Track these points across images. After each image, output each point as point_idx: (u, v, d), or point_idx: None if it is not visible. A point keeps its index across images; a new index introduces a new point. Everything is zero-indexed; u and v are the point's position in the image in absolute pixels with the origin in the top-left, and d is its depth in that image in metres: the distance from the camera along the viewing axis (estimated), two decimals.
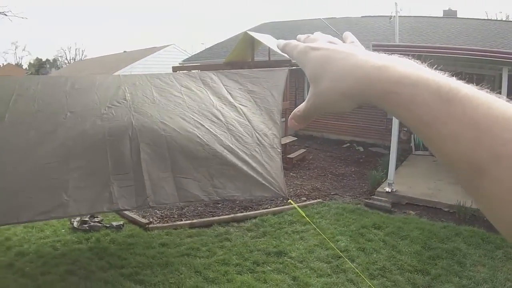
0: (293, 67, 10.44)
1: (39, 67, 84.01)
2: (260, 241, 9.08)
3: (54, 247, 9.14)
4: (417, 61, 0.76)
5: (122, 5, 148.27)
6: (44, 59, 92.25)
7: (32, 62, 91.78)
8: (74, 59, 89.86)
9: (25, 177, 5.99)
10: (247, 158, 7.03)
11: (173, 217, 10.69)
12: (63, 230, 9.97)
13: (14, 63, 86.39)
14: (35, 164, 6.08)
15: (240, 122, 7.42)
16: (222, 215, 10.70)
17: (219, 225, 9.94)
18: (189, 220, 10.40)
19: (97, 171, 6.32)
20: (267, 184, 6.94)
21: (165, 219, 10.60)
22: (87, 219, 10.12)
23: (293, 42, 0.96)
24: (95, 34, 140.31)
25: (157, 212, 10.94)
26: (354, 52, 0.81)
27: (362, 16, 28.69)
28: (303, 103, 0.90)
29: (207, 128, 7.09)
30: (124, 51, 53.61)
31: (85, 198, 6.12)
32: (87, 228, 9.90)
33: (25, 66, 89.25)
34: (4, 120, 6.21)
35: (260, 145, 7.31)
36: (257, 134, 7.39)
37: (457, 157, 0.64)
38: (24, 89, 6.74)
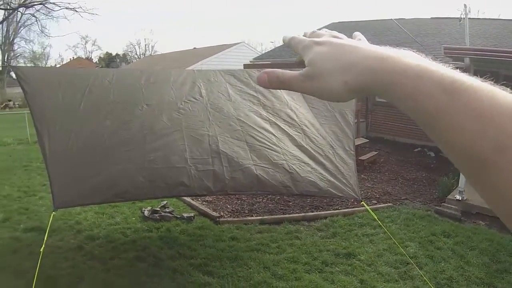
0: None
1: (109, 61, 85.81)
2: (329, 241, 8.98)
3: (124, 234, 9.29)
4: (422, 54, 0.76)
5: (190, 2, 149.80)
6: (114, 54, 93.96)
7: (102, 56, 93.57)
8: (144, 55, 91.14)
9: (101, 162, 6.13)
10: (321, 159, 7.01)
11: (244, 213, 10.68)
12: (133, 218, 10.10)
13: (84, 57, 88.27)
14: (111, 150, 6.27)
15: (313, 123, 7.40)
16: (292, 213, 10.63)
17: (289, 223, 9.88)
18: (260, 216, 10.37)
19: (173, 155, 6.39)
20: (341, 185, 6.91)
21: (236, 214, 10.61)
22: (158, 209, 10.24)
23: (299, 37, 0.96)
24: (165, 30, 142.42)
25: (228, 206, 10.96)
26: (359, 45, 0.82)
27: (431, 18, 28.24)
28: (291, 71, 0.90)
29: (281, 128, 7.10)
30: (194, 48, 53.97)
31: (162, 181, 6.23)
32: (158, 218, 9.99)
33: (95, 60, 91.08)
34: (79, 108, 6.35)
35: (334, 146, 7.28)
36: (330, 136, 7.36)
37: (462, 149, 0.65)
38: (99, 80, 6.89)
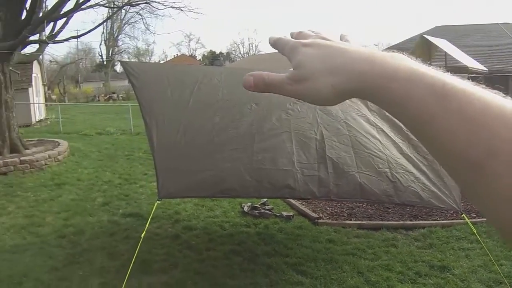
0: (472, 75, 10.00)
1: (213, 59, 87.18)
2: (425, 252, 8.74)
3: (222, 227, 9.36)
4: (412, 57, 0.73)
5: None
6: (217, 52, 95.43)
7: (205, 54, 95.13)
8: (248, 54, 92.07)
9: (209, 157, 6.19)
10: (425, 168, 6.85)
11: (343, 216, 10.54)
12: (232, 213, 10.16)
13: (187, 54, 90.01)
14: (220, 147, 6.35)
15: None
16: (391, 220, 10.41)
17: (387, 230, 9.68)
18: (358, 220, 10.23)
19: (281, 158, 6.39)
20: (442, 196, 6.75)
21: (335, 217, 10.47)
22: (258, 205, 10.27)
23: (284, 38, 0.91)
24: (269, 30, 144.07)
25: (328, 208, 10.85)
26: (347, 48, 0.79)
27: None
28: (278, 74, 0.84)
29: (387, 134, 7.01)
30: None
31: (268, 181, 6.24)
32: (257, 214, 10.00)
33: (198, 57, 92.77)
34: (188, 104, 6.47)
35: None
36: None
37: (454, 154, 0.63)
38: (208, 78, 7.01)
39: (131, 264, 6.07)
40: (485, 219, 7.79)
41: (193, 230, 9.11)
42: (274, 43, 0.92)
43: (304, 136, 6.64)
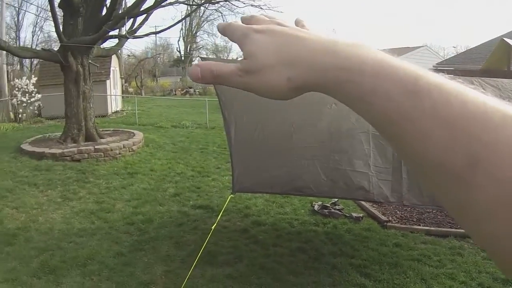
0: None
1: None
2: (490, 263, 8.52)
3: (290, 224, 9.40)
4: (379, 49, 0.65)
5: None
6: None
7: None
8: None
9: (285, 155, 6.29)
10: None
11: (412, 220, 10.43)
12: (302, 211, 10.17)
13: None
14: (297, 145, 6.50)
15: None
16: (459, 228, 10.23)
17: (454, 237, 9.51)
18: (427, 226, 10.08)
19: (357, 159, 6.41)
20: None
21: (404, 221, 10.39)
22: (328, 205, 10.25)
23: (235, 23, 0.80)
24: (346, 29, 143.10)
25: (397, 212, 10.76)
26: (306, 35, 0.70)
27: None
28: (226, 64, 0.75)
29: None
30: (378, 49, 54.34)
31: (344, 182, 6.26)
32: (327, 213, 10.00)
33: None
34: (267, 102, 6.54)
35: None
36: None
37: (427, 160, 0.55)
38: None
39: (199, 254, 6.21)
40: None
41: (262, 225, 9.18)
42: (223, 29, 0.82)
43: (382, 138, 6.60)
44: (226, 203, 6.63)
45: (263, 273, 7.20)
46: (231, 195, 6.53)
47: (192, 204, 10.28)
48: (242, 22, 0.81)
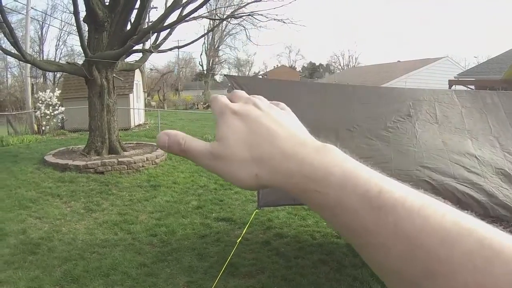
0: None
1: (313, 70, 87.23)
2: None
3: (312, 236, 9.38)
4: (344, 149, 0.67)
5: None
6: (317, 64, 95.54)
7: (305, 65, 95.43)
8: (348, 66, 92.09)
9: None
10: None
11: None
12: (324, 223, 10.08)
13: (287, 65, 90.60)
14: None
15: None
16: None
17: None
18: None
19: (378, 164, 6.46)
20: None
21: None
22: None
23: (219, 97, 0.80)
24: (368, 39, 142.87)
25: None
26: (278, 130, 0.71)
27: None
28: (198, 141, 0.75)
29: (483, 152, 6.94)
30: (398, 61, 53.90)
31: None
32: None
33: (298, 68, 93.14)
34: None
35: None
36: None
37: (389, 270, 0.57)
38: (309, 97, 7.26)
39: (224, 265, 6.23)
40: None
41: (284, 237, 9.18)
42: (211, 102, 0.82)
43: (402, 148, 6.73)
44: (251, 218, 6.65)
45: (285, 285, 7.20)
46: (256, 210, 6.55)
47: (214, 216, 10.29)
48: (227, 97, 0.81)
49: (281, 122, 0.74)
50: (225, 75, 15.42)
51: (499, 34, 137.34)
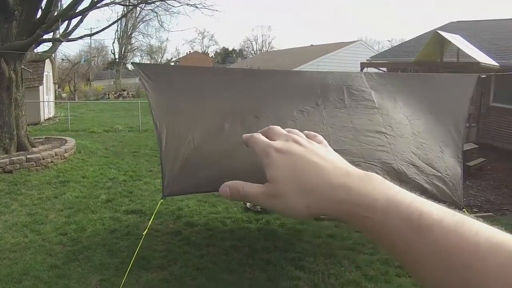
0: (483, 75, 9.98)
1: (225, 56, 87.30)
2: None
3: (223, 223, 9.43)
4: (386, 177, 0.75)
5: None
6: (230, 49, 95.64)
7: (218, 51, 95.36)
8: (260, 50, 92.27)
9: (217, 162, 6.36)
10: (429, 163, 6.98)
11: None
12: (235, 209, 10.21)
13: (200, 51, 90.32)
14: (228, 153, 6.41)
15: (424, 129, 7.37)
16: None
17: None
18: None
19: None
20: (446, 190, 6.87)
21: None
22: None
23: (256, 136, 0.86)
24: (282, 25, 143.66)
25: None
26: (322, 163, 0.78)
27: None
28: (252, 186, 0.82)
29: (394, 131, 7.10)
30: (311, 45, 54.17)
31: None
32: (260, 209, 10.04)
33: (211, 54, 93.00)
34: (197, 109, 6.88)
35: (443, 152, 7.20)
36: (440, 142, 7.29)
37: (431, 281, 0.64)
38: (219, 84, 7.22)
39: (132, 261, 6.15)
40: (486, 214, 7.90)
41: (195, 226, 9.17)
42: (247, 140, 0.88)
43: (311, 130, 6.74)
44: (157, 208, 6.59)
45: (198, 274, 7.21)
46: (161, 200, 6.51)
47: (124, 209, 10.17)
48: (261, 133, 0.87)
49: (323, 156, 0.80)
50: (132, 62, 15.13)
51: (415, 20, 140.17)
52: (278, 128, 0.88)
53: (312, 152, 0.80)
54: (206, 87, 6.86)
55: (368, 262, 7.88)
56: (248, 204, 10.17)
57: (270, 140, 0.84)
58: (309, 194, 0.74)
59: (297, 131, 0.87)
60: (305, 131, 0.88)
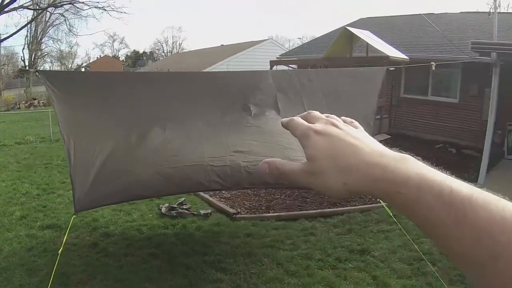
0: (392, 68, 10.19)
1: (136, 59, 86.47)
2: (344, 238, 8.95)
3: (140, 231, 9.33)
4: (418, 157, 0.79)
5: None
6: (141, 52, 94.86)
7: (129, 54, 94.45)
8: (171, 52, 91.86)
9: (123, 169, 6.31)
10: None
11: (261, 209, 10.66)
12: (150, 215, 10.14)
13: (111, 55, 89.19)
14: (135, 158, 6.46)
15: None
16: (309, 209, 10.59)
17: (306, 219, 9.84)
18: (277, 212, 10.36)
19: (191, 154, 6.48)
20: None
21: (253, 210, 10.60)
22: (175, 206, 10.26)
23: (296, 120, 0.92)
24: (192, 26, 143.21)
25: (246, 203, 10.97)
26: (359, 144, 0.83)
27: (460, 12, 27.94)
28: (291, 164, 0.89)
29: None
30: (222, 45, 54.21)
31: (179, 177, 6.42)
32: (175, 214, 10.01)
33: (122, 58, 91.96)
34: (105, 118, 6.67)
35: None
36: None
37: (461, 255, 0.69)
38: (127, 89, 6.94)
39: (51, 279, 6.03)
40: None
41: (111, 236, 9.04)
42: (286, 124, 0.94)
43: (215, 136, 6.79)
44: (70, 223, 6.48)
45: (118, 286, 7.15)
46: (74, 216, 6.40)
47: (39, 225, 9.88)
48: (301, 118, 0.92)
49: (360, 138, 0.85)
50: (37, 71, 14.87)
51: (327, 17, 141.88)
52: (317, 112, 0.93)
53: (349, 135, 0.85)
54: (114, 94, 6.71)
55: (288, 258, 7.97)
56: (163, 209, 10.13)
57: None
58: (347, 173, 0.79)
59: (335, 116, 0.92)
60: (342, 117, 0.93)
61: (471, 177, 12.22)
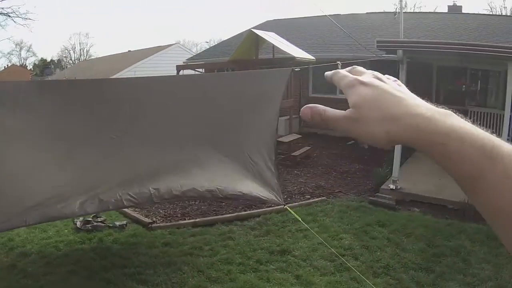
0: (297, 68, 10.33)
1: (44, 67, 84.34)
2: (263, 239, 9.06)
3: (57, 248, 9.14)
4: (461, 115, 0.80)
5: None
6: (48, 60, 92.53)
7: (36, 63, 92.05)
8: (79, 59, 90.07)
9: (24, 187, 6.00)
10: (245, 167, 7.16)
11: (176, 216, 10.67)
12: (66, 231, 9.95)
13: (18, 64, 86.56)
14: (33, 178, 6.04)
15: (238, 129, 7.34)
16: (225, 213, 10.66)
17: (222, 224, 9.92)
18: (193, 219, 10.37)
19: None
20: (264, 190, 7.24)
21: (169, 218, 10.59)
22: (90, 219, 10.10)
23: (341, 72, 0.95)
24: (100, 32, 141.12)
25: (161, 211, 10.95)
26: (404, 97, 0.85)
27: (367, 13, 28.60)
28: (334, 110, 0.91)
29: (204, 140, 7.00)
30: (129, 50, 53.55)
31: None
32: (90, 228, 9.88)
33: (29, 67, 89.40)
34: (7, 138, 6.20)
35: (260, 154, 7.40)
36: (252, 146, 7.41)
37: (497, 208, 0.71)
38: (28, 101, 6.24)
39: None
40: (319, 198, 8.24)
41: (29, 256, 8.79)
42: (331, 76, 0.97)
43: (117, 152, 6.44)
44: None
45: None
46: None
47: None
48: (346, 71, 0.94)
49: (404, 92, 0.87)
50: None
51: (235, 20, 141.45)
52: (361, 67, 0.95)
53: (394, 88, 0.87)
54: (31, 105, 6.33)
55: (209, 264, 8.04)
56: (78, 224, 10.00)
57: None
58: (390, 122, 0.81)
59: (378, 72, 0.93)
60: (386, 75, 0.94)
61: (385, 171, 12.48)
